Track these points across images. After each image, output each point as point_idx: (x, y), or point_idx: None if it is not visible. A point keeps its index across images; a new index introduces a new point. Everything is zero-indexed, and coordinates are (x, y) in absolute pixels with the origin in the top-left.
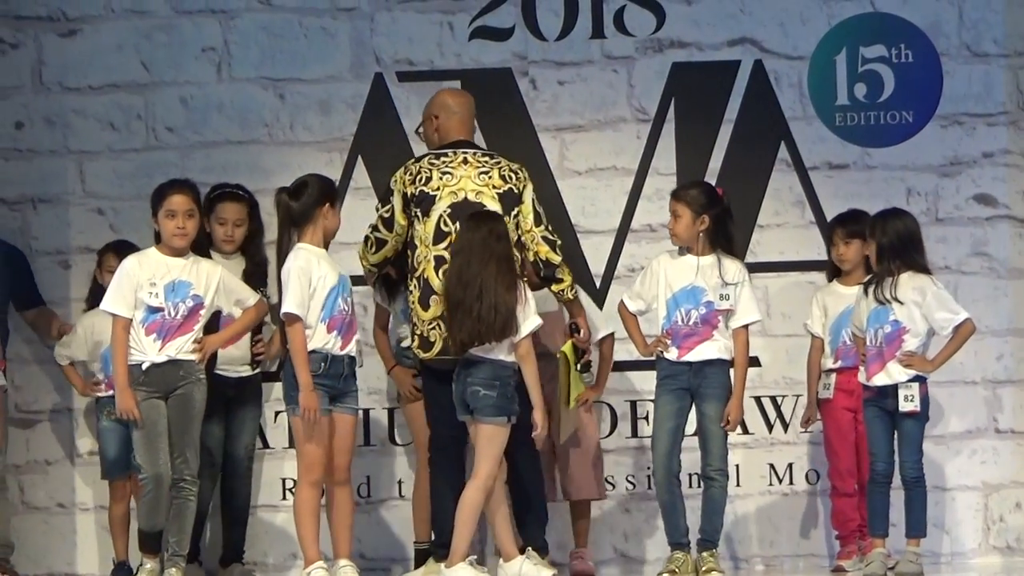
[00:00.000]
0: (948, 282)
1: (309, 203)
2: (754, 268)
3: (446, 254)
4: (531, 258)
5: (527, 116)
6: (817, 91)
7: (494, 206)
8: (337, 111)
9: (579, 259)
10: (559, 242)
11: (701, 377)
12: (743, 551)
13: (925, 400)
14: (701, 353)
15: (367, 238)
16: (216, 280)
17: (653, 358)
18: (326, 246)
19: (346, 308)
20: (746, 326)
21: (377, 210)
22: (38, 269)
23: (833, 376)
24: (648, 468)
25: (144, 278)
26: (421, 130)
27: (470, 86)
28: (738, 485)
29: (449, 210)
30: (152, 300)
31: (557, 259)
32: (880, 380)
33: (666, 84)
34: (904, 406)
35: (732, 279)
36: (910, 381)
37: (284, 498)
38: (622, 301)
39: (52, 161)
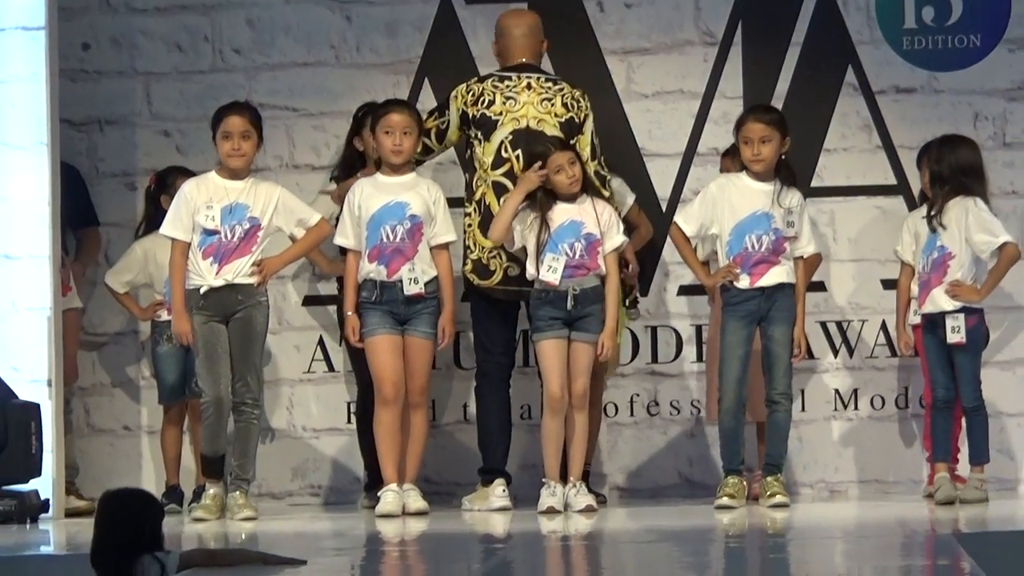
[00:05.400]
0: (1015, 207)
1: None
2: (820, 192)
3: (505, 180)
4: None
5: (594, 39)
6: (884, 14)
7: (555, 134)
8: (404, 33)
9: (645, 182)
10: (609, 178)
11: (771, 302)
12: (808, 476)
13: (976, 330)
14: (772, 278)
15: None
16: (275, 201)
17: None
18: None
19: (390, 237)
20: (803, 257)
21: (431, 115)
22: (104, 191)
23: None
24: None
25: (201, 201)
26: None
27: (537, 8)
28: (803, 410)
29: (511, 136)
30: (208, 223)
31: (605, 194)
32: (928, 308)
33: (733, 7)
34: (951, 338)
35: (794, 205)
36: (957, 312)
37: (349, 422)
38: (675, 224)
39: (118, 82)
